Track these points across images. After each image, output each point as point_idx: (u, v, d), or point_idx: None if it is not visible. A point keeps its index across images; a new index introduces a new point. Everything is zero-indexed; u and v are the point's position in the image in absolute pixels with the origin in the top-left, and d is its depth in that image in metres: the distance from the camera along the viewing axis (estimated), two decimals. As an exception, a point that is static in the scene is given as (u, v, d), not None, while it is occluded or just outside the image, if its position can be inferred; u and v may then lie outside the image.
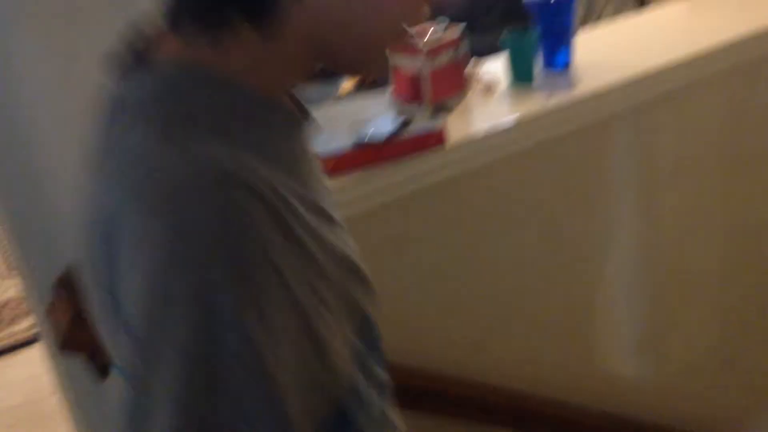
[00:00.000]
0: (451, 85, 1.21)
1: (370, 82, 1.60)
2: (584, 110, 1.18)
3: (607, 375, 1.38)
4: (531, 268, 1.22)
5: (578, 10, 1.63)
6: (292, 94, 0.58)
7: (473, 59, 1.28)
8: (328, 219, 0.53)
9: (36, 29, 0.91)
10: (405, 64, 1.18)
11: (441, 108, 1.19)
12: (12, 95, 0.94)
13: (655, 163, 1.32)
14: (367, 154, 1.05)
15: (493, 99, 1.24)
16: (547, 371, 1.27)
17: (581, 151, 1.23)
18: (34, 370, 2.10)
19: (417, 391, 1.08)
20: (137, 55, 0.51)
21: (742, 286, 1.54)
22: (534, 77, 1.23)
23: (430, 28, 1.16)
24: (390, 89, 1.25)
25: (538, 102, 1.16)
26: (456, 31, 1.18)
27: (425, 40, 1.14)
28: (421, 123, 1.11)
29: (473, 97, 1.24)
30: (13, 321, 2.69)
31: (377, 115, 1.16)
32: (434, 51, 1.15)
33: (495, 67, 1.30)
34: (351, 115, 1.18)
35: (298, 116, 0.55)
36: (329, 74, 1.07)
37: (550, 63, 1.24)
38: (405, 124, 1.09)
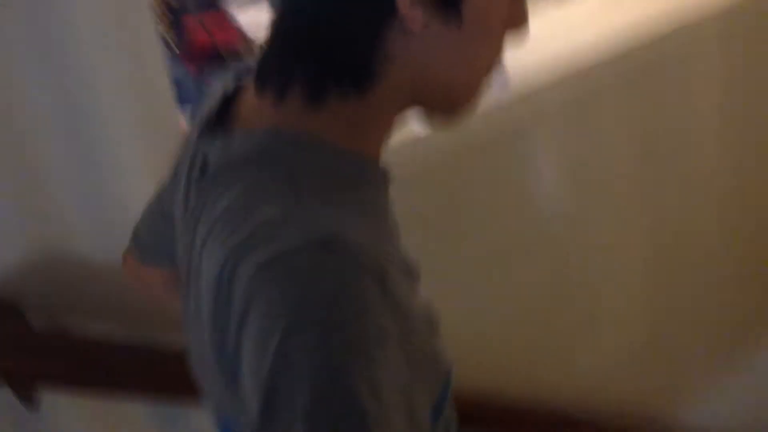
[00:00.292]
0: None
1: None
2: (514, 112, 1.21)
3: (539, 363, 1.43)
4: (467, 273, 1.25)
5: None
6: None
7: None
8: (411, 275, 0.54)
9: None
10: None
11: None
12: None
13: (580, 160, 1.38)
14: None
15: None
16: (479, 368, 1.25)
17: (508, 155, 1.26)
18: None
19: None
20: (221, 115, 0.54)
21: (669, 275, 1.64)
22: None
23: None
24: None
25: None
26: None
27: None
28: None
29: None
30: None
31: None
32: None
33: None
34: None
35: (389, 170, 0.56)
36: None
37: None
38: None
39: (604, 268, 1.53)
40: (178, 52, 1.46)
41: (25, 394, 0.90)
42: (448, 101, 0.56)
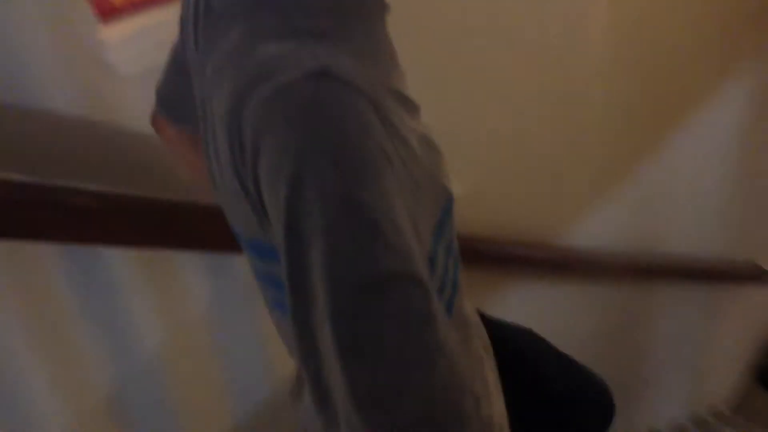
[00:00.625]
0: None
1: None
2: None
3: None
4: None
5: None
6: None
7: None
8: (408, 103, 0.55)
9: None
10: None
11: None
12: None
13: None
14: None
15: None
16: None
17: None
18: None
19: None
20: None
21: (568, 107, 1.74)
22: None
23: None
24: None
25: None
26: None
27: None
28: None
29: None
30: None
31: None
32: None
33: None
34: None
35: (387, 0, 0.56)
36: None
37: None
38: None
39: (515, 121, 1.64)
40: None
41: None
42: None
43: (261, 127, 0.46)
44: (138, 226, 0.93)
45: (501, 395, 0.69)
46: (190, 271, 1.11)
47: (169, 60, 0.76)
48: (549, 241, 1.94)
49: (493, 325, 0.82)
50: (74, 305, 0.98)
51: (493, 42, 1.51)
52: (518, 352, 0.90)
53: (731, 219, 2.92)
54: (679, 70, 2.17)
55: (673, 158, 2.34)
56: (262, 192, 0.48)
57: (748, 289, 3.19)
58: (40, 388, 0.97)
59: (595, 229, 2.09)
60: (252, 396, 1.28)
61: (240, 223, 0.58)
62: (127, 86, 0.94)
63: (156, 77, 0.80)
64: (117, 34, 0.90)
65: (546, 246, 1.91)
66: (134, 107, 0.94)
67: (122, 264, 1.01)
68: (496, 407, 0.65)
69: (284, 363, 1.30)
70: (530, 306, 1.87)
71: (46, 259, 0.93)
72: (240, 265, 1.17)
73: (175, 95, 0.77)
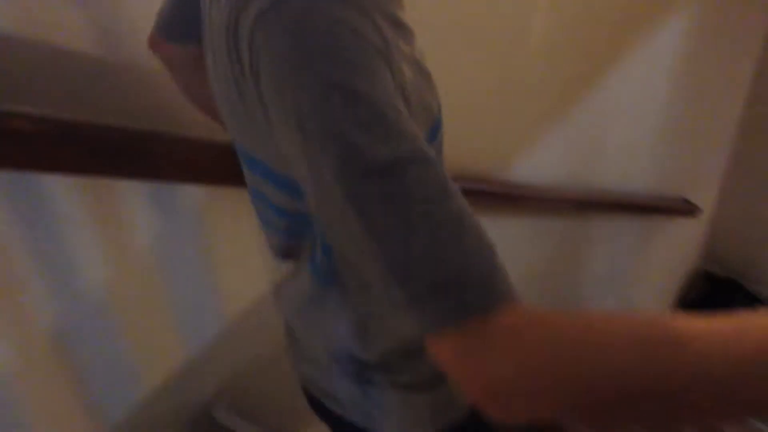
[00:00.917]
0: None
1: None
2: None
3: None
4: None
5: None
6: None
7: None
8: (402, 27, 0.58)
9: None
10: None
11: None
12: None
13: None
14: None
15: None
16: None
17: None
18: None
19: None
20: None
21: (508, 46, 1.79)
22: None
23: None
24: None
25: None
26: None
27: None
28: None
29: None
30: None
31: None
32: None
33: None
34: None
35: None
36: None
37: None
38: None
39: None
40: None
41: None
42: None
43: (259, 36, 0.48)
44: (79, 152, 0.89)
45: None
46: (135, 202, 1.08)
47: None
48: (493, 176, 1.97)
49: None
50: (14, 237, 0.94)
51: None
52: None
53: (662, 157, 3.03)
54: (613, 8, 2.19)
55: (609, 98, 2.40)
56: (263, 101, 0.50)
57: (677, 222, 3.35)
58: (-20, 323, 0.94)
59: (536, 165, 2.14)
60: (203, 328, 1.28)
61: (239, 137, 0.62)
62: (68, 6, 0.89)
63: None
64: None
65: (490, 180, 1.94)
66: (75, 28, 0.91)
67: (65, 195, 0.98)
68: None
69: (234, 293, 1.30)
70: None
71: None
72: (187, 195, 1.15)
73: (177, 13, 0.81)
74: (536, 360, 0.42)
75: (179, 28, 0.82)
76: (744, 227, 3.93)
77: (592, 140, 2.46)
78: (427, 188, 0.45)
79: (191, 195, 1.15)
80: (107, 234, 1.06)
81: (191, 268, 1.21)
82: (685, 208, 3.22)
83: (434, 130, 0.62)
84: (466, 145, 1.78)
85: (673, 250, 3.59)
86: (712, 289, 3.90)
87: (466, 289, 0.43)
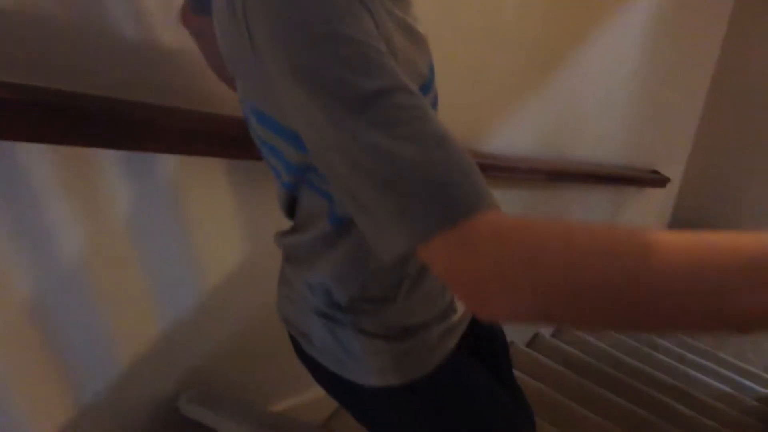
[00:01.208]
0: None
1: None
2: None
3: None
4: None
5: None
6: None
7: None
8: None
9: None
10: None
11: None
12: None
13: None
14: None
15: None
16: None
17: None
18: None
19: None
20: None
21: (485, 19, 1.80)
22: None
23: None
24: None
25: None
26: None
27: None
28: None
29: None
30: None
31: None
32: None
33: None
34: None
35: None
36: None
37: None
38: None
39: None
40: None
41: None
42: None
43: None
44: (54, 120, 0.87)
45: None
46: (111, 173, 1.06)
47: None
48: (470, 147, 1.97)
49: None
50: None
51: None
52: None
53: (633, 130, 3.07)
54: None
55: (582, 71, 2.41)
56: (259, 52, 0.55)
57: (647, 192, 3.41)
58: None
59: (509, 136, 2.16)
60: (179, 301, 1.27)
61: (248, 95, 0.66)
62: None
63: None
64: None
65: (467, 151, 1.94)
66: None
67: (40, 166, 0.96)
68: None
69: (211, 265, 1.29)
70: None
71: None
72: (163, 165, 1.13)
73: None
74: (516, 258, 0.46)
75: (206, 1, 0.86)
76: (708, 195, 4.02)
77: (565, 113, 2.48)
78: (410, 111, 0.50)
79: (167, 166, 1.13)
80: (84, 205, 1.04)
81: (167, 240, 1.20)
82: (655, 179, 3.28)
83: (423, 90, 0.65)
84: (442, 115, 1.78)
85: (643, 218, 3.66)
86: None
87: (452, 195, 0.47)
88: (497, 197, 0.50)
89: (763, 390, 2.88)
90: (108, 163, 1.05)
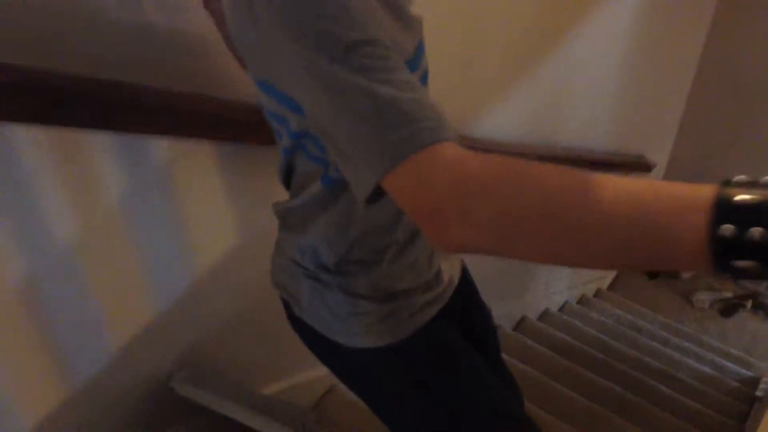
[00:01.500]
0: None
1: None
2: None
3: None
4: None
5: None
6: None
7: None
8: None
9: None
10: None
11: None
12: None
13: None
14: None
15: None
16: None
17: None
18: None
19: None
20: None
21: (472, 6, 1.81)
22: None
23: None
24: None
25: None
26: None
27: None
28: None
29: None
30: None
31: None
32: None
33: None
34: None
35: None
36: None
37: None
38: None
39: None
40: None
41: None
42: None
43: None
44: (46, 102, 0.87)
45: None
46: (102, 156, 1.06)
47: None
48: (459, 132, 1.98)
49: None
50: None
51: None
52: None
53: (620, 116, 3.09)
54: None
55: (571, 58, 2.42)
56: (253, 11, 0.60)
57: (633, 176, 3.42)
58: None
59: (497, 121, 2.17)
60: (172, 286, 1.27)
61: (249, 63, 0.70)
62: None
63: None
64: None
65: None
66: None
67: (31, 150, 0.95)
68: None
69: (203, 248, 1.30)
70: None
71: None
72: (155, 149, 1.13)
73: None
74: (472, 185, 0.50)
75: None
76: (693, 180, 4.06)
77: (553, 99, 2.49)
78: (384, 60, 0.55)
79: (159, 151, 1.13)
80: (76, 188, 1.04)
81: (159, 223, 1.20)
82: (641, 164, 3.31)
83: (408, 66, 0.68)
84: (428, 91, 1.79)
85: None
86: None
87: (413, 129, 0.52)
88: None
89: (744, 372, 2.94)
90: (100, 148, 1.05)
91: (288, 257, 0.92)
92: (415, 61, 0.74)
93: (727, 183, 0.44)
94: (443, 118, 0.54)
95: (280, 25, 0.57)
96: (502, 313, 2.76)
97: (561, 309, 3.36)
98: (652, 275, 4.01)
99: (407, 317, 0.90)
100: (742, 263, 0.41)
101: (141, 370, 1.30)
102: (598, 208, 0.46)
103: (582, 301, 3.56)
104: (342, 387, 1.28)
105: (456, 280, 1.03)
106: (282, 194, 0.90)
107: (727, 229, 0.41)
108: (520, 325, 2.95)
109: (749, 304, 3.83)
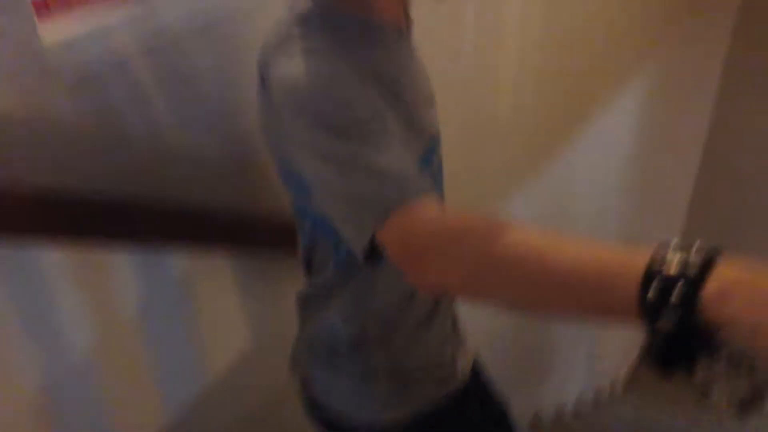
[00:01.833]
0: None
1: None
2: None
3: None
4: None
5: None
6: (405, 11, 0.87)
7: None
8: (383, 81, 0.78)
9: None
10: None
11: None
12: None
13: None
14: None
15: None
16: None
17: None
18: None
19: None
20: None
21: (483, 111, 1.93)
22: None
23: None
24: None
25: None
26: None
27: None
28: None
29: None
30: None
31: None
32: None
33: None
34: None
35: (382, 29, 0.82)
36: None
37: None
38: None
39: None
40: None
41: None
42: None
43: (268, 77, 0.76)
44: (72, 221, 0.93)
45: None
46: (120, 268, 1.10)
47: None
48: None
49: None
50: (6, 304, 0.97)
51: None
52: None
53: (626, 216, 3.14)
54: (579, 78, 2.32)
55: (577, 160, 2.50)
56: (271, 93, 0.74)
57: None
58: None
59: (512, 216, 2.22)
60: (186, 393, 1.29)
61: (269, 146, 0.83)
62: (65, 90, 0.94)
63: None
64: (58, 37, 0.90)
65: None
66: (71, 109, 0.95)
67: (50, 260, 1.00)
68: None
69: (217, 360, 1.33)
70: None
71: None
72: (172, 261, 1.19)
73: None
74: (447, 235, 0.59)
75: None
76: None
77: (561, 193, 2.55)
78: (376, 136, 0.66)
79: (177, 260, 1.19)
80: (94, 300, 1.07)
81: (175, 335, 1.24)
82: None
83: (429, 151, 0.85)
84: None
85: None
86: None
87: (400, 189, 0.62)
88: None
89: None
90: (120, 259, 1.09)
91: (305, 339, 1.01)
92: (420, 168, 0.84)
93: (661, 247, 0.49)
94: (425, 180, 0.65)
95: (287, 105, 0.70)
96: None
97: (575, 406, 3.30)
98: (666, 372, 3.92)
99: (420, 396, 0.96)
100: (665, 323, 0.46)
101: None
102: (546, 271, 0.54)
103: (595, 399, 3.49)
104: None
105: (468, 370, 1.07)
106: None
107: (653, 291, 0.46)
108: (534, 425, 2.89)
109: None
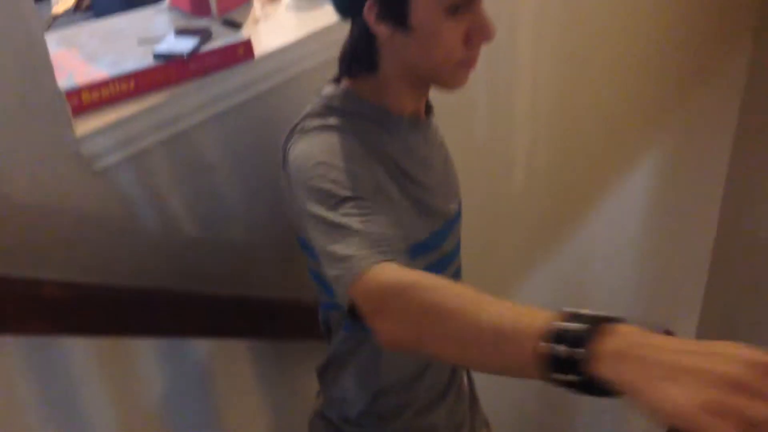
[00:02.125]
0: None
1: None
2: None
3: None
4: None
5: None
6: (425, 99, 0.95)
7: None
8: (403, 173, 0.90)
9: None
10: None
11: (230, 21, 1.10)
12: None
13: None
14: (173, 70, 0.96)
15: (278, 10, 1.21)
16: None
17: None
18: None
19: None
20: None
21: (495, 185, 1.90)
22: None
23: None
24: (166, 2, 1.17)
25: (327, 9, 1.14)
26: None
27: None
28: (223, 36, 1.02)
29: (259, 8, 1.21)
30: None
31: (164, 30, 1.05)
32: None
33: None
34: (133, 32, 1.09)
35: (400, 119, 0.91)
36: None
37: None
38: (205, 37, 1.01)
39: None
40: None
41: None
42: (437, 78, 0.88)
43: (285, 157, 0.88)
44: (105, 315, 0.95)
45: None
46: (144, 356, 1.11)
47: None
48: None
49: None
50: (26, 392, 0.97)
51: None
52: None
53: (641, 290, 3.11)
54: (591, 152, 2.36)
55: (592, 235, 2.50)
56: (296, 197, 0.82)
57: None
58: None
59: (526, 296, 2.22)
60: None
61: (293, 226, 0.93)
62: (95, 179, 0.95)
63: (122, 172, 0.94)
64: (88, 129, 0.92)
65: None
66: (101, 199, 0.97)
67: (75, 349, 1.00)
68: None
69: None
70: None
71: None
72: (194, 349, 1.19)
73: None
74: (393, 295, 0.65)
75: None
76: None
77: (578, 274, 2.54)
78: (362, 210, 0.74)
79: (199, 349, 1.19)
80: (117, 388, 1.08)
81: (198, 421, 1.23)
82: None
83: (415, 249, 0.87)
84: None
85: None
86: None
87: (367, 254, 0.69)
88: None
89: None
90: (139, 344, 1.09)
91: (319, 411, 1.06)
92: (427, 245, 0.93)
93: (559, 315, 0.54)
94: (395, 246, 0.72)
95: (295, 181, 0.81)
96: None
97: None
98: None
99: None
100: (560, 376, 0.51)
101: None
102: (461, 328, 0.60)
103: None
104: None
105: None
106: (314, 388, 0.95)
107: (545, 348, 0.51)
108: None
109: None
